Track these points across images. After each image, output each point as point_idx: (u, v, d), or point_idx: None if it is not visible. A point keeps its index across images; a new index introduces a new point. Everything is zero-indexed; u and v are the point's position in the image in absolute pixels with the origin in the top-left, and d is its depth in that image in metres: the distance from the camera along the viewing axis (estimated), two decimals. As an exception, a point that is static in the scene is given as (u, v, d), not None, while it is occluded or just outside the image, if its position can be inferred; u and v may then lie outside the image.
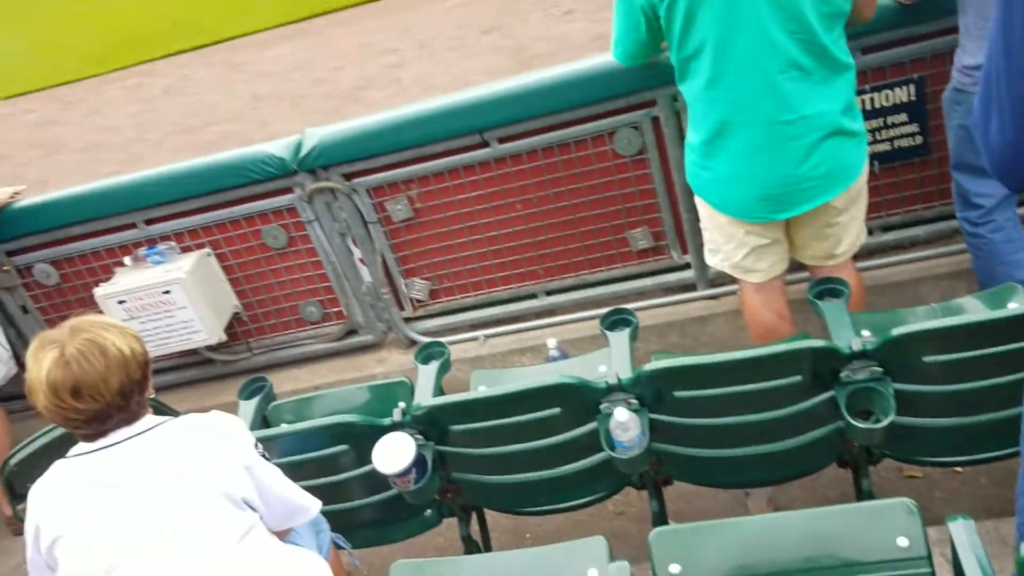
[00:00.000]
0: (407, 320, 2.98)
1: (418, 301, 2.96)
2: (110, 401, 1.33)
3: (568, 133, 2.51)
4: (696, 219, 2.28)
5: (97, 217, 2.88)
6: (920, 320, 1.76)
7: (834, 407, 1.61)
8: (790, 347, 1.63)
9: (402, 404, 1.84)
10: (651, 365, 1.65)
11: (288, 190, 2.77)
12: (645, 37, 2.02)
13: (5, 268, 2.95)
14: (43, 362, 1.32)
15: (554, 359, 2.31)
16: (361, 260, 2.89)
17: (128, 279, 2.84)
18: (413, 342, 2.96)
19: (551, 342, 2.37)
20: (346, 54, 7.16)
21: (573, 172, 2.59)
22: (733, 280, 2.33)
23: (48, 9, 12.09)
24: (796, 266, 2.23)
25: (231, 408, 1.84)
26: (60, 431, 1.89)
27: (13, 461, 1.97)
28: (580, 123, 2.50)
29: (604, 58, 2.31)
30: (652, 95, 2.41)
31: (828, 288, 1.92)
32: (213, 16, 9.29)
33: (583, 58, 2.57)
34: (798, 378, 1.61)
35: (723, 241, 2.16)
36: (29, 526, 1.40)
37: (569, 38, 5.96)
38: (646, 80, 2.33)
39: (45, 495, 1.39)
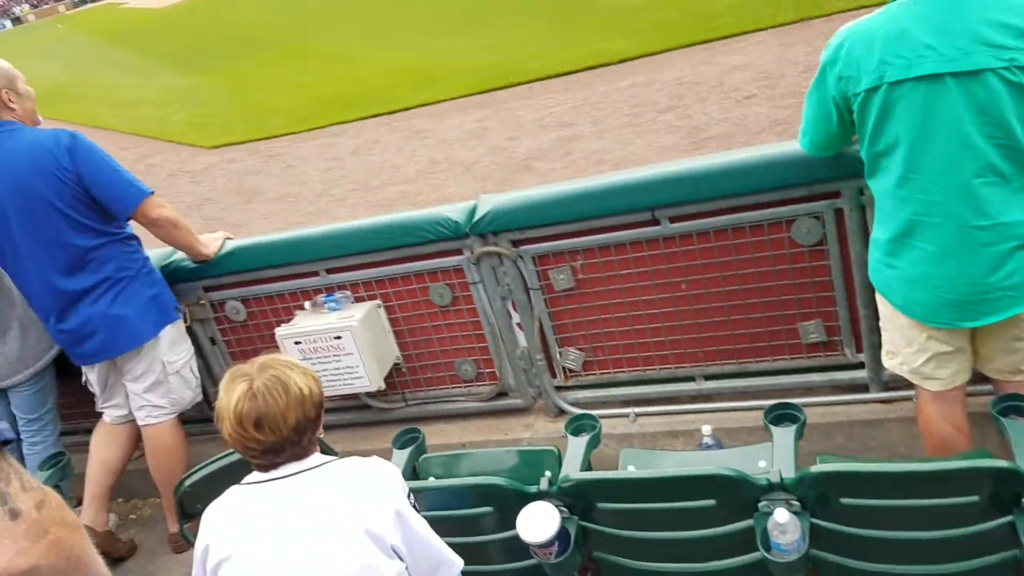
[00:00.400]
0: (558, 388, 2.98)
1: (571, 371, 2.96)
2: (286, 436, 1.42)
3: (744, 217, 2.46)
4: (875, 317, 2.16)
5: (286, 263, 3.09)
6: None
7: (1012, 533, 1.46)
8: (971, 464, 1.51)
9: (549, 473, 1.82)
10: (818, 467, 1.57)
11: (458, 251, 2.86)
12: (836, 129, 1.97)
13: (202, 302, 3.21)
14: (233, 393, 1.42)
15: (708, 447, 2.24)
16: (519, 324, 2.93)
17: (306, 322, 3.01)
18: (561, 411, 2.95)
19: (706, 429, 2.29)
20: (522, 126, 7.41)
21: (746, 257, 2.52)
22: (909, 385, 2.18)
23: (258, 74, 13.36)
24: (979, 378, 2.07)
25: (383, 454, 1.90)
26: (235, 458, 2.00)
27: (188, 482, 2.10)
28: (757, 208, 2.44)
29: (788, 145, 2.26)
30: (837, 186, 2.32)
31: (1014, 405, 1.76)
32: (403, 86, 9.94)
33: (761, 143, 2.52)
34: (975, 498, 1.48)
35: (903, 344, 2.03)
36: (199, 545, 1.49)
37: (748, 122, 5.90)
38: (832, 171, 2.25)
39: (219, 518, 1.48)
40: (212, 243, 3.05)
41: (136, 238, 2.88)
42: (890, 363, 2.12)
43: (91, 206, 2.69)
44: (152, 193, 2.75)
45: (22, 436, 3.12)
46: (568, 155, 6.42)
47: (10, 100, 2.69)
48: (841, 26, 1.93)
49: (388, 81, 10.42)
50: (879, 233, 1.97)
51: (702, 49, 7.94)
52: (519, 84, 8.68)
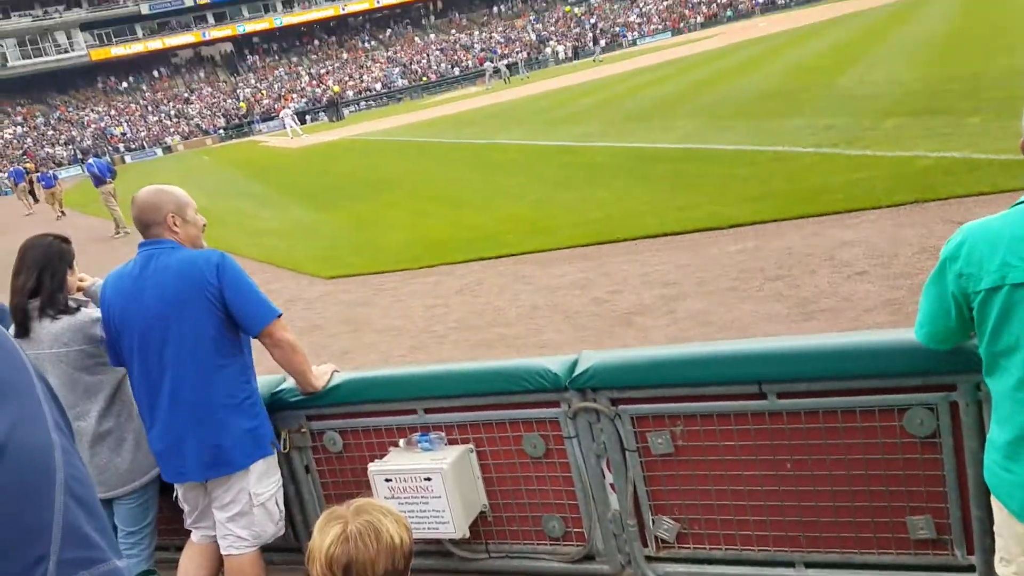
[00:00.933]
0: (648, 559, 2.87)
1: (663, 541, 2.85)
2: None
3: (854, 401, 2.39)
4: (988, 519, 2.03)
5: (386, 399, 3.16)
6: None
7: None
8: None
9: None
10: None
11: (555, 403, 2.87)
12: (954, 324, 1.93)
13: (303, 430, 3.30)
14: (327, 535, 1.44)
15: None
16: (612, 486, 2.87)
17: (398, 460, 3.04)
18: (651, 583, 2.83)
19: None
20: (625, 280, 7.48)
21: (855, 442, 2.43)
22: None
23: (378, 213, 14.11)
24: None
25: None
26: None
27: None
28: (870, 393, 2.37)
29: (904, 333, 2.22)
30: (953, 379, 2.25)
31: None
32: (513, 233, 10.28)
33: (871, 322, 2.48)
34: None
35: (1018, 552, 1.90)
36: None
37: (858, 299, 5.79)
38: (948, 364, 2.19)
39: None
40: (322, 376, 3.16)
41: (252, 368, 3.01)
42: (1004, 571, 1.97)
43: (228, 324, 2.83)
44: (281, 315, 2.90)
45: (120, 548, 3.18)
46: (671, 313, 6.41)
47: (174, 224, 2.94)
48: (955, 212, 1.92)
49: (500, 228, 10.80)
50: (996, 434, 1.88)
51: (813, 221, 7.94)
52: (626, 240, 8.83)
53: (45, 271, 3.06)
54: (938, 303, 1.95)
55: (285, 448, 3.25)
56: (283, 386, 3.29)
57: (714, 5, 71.22)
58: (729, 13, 69.40)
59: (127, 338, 2.90)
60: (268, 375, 3.49)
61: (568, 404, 2.82)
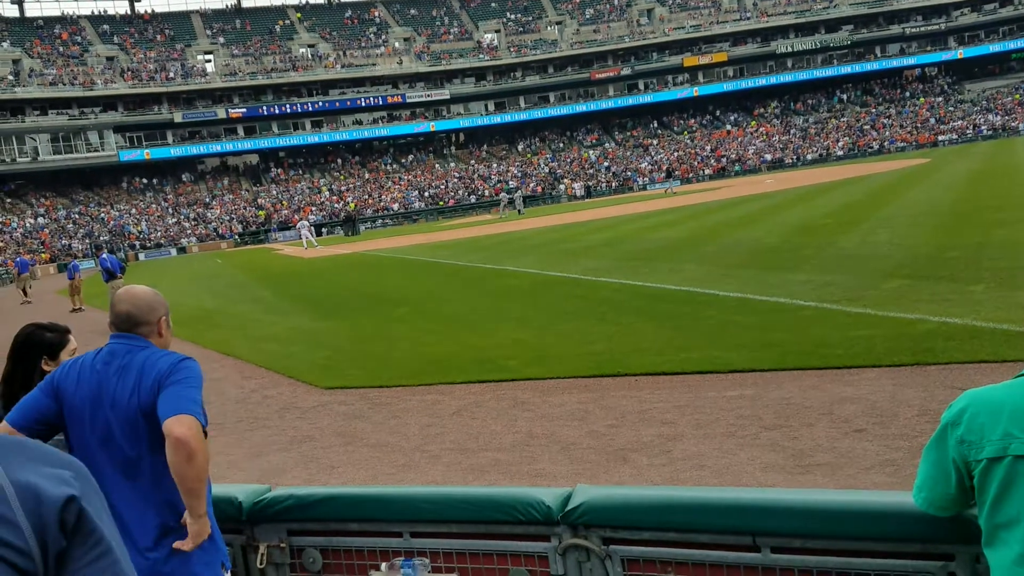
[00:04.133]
0: None
1: None
2: None
3: (851, 563, 2.33)
4: None
5: (373, 519, 3.08)
6: None
7: None
8: None
9: None
10: None
11: (545, 538, 2.80)
12: (954, 492, 1.91)
13: (282, 545, 3.20)
14: None
15: None
16: (598, 629, 2.77)
17: (378, 584, 2.94)
18: None
19: None
20: (624, 415, 7.44)
21: (850, 607, 2.36)
22: None
23: (381, 327, 14.19)
24: None
25: None
26: None
27: None
28: (866, 556, 2.32)
29: (903, 496, 2.19)
30: (951, 549, 2.20)
31: None
32: (515, 358, 10.30)
33: (869, 481, 2.45)
34: None
35: None
36: None
37: (855, 455, 5.74)
38: (946, 531, 2.15)
39: None
40: (205, 520, 2.77)
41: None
42: None
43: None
44: (200, 421, 2.70)
45: None
46: (667, 453, 6.34)
47: (164, 328, 2.96)
48: (956, 378, 1.94)
49: (502, 352, 10.82)
50: (997, 609, 1.82)
51: (813, 374, 7.96)
52: (627, 375, 8.83)
53: (19, 362, 3.14)
54: (938, 468, 1.94)
55: (261, 564, 3.15)
56: (267, 496, 3.23)
57: (723, 159, 73.86)
58: (737, 168, 71.86)
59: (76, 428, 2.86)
60: (252, 484, 3.43)
61: (559, 539, 2.75)
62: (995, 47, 78.96)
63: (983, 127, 71.65)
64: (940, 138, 71.54)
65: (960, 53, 79.42)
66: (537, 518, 2.79)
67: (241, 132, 73.75)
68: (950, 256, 13.64)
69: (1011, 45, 78.72)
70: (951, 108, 77.55)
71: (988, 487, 1.80)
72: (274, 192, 72.54)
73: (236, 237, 63.97)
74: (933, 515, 2.06)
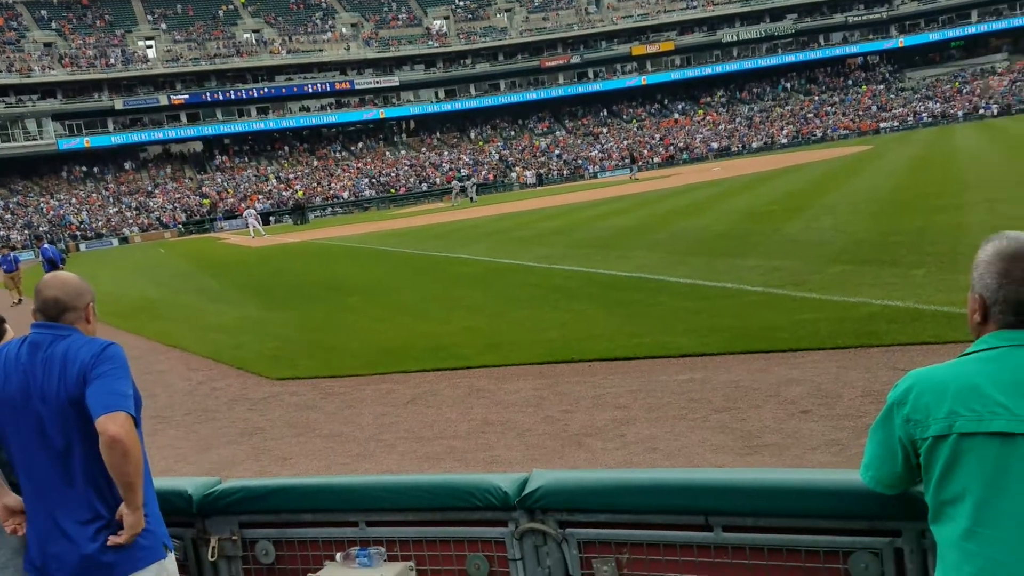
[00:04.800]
0: None
1: (602, 676, 2.75)
2: None
3: (800, 540, 2.38)
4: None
5: (327, 509, 3.06)
6: None
7: None
8: None
9: None
10: None
11: (502, 523, 2.81)
12: (900, 470, 1.96)
13: (234, 538, 3.16)
14: None
15: None
16: (555, 614, 2.79)
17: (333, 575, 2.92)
18: None
19: None
20: (577, 401, 7.49)
21: (800, 582, 2.41)
22: None
23: (333, 316, 14.05)
24: None
25: None
26: None
27: None
28: (815, 533, 2.37)
29: (852, 474, 2.24)
30: (898, 525, 2.26)
31: None
32: (469, 346, 10.29)
33: (815, 460, 2.50)
34: None
35: None
36: None
37: (803, 436, 5.87)
38: (894, 509, 2.20)
39: None
40: (141, 512, 2.72)
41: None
42: None
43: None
44: (133, 417, 2.66)
45: None
46: (621, 437, 6.41)
47: (89, 315, 2.88)
48: (899, 359, 1.99)
49: (456, 339, 10.81)
50: (941, 584, 1.88)
51: (760, 357, 8.11)
52: (581, 361, 8.89)
53: None
54: (885, 447, 1.98)
55: (213, 557, 3.11)
56: (218, 488, 3.18)
57: (672, 148, 74.65)
58: (685, 156, 72.69)
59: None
60: (203, 477, 3.37)
61: (516, 524, 2.76)
62: (935, 35, 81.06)
63: (923, 114, 73.57)
64: (882, 126, 73.29)
65: (901, 42, 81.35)
66: (494, 504, 2.79)
67: (184, 119, 72.13)
68: (892, 241, 13.99)
69: (951, 33, 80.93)
70: (892, 96, 79.45)
71: (934, 465, 1.84)
72: (219, 180, 71.16)
73: (180, 226, 62.64)
74: (880, 493, 2.11)
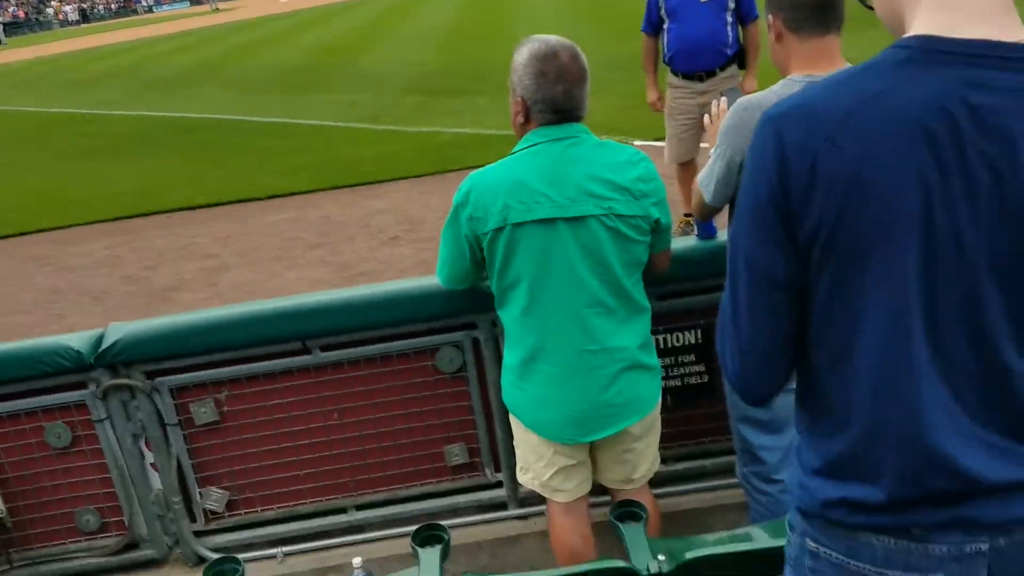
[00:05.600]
0: (197, 534, 2.74)
1: (212, 513, 2.75)
2: None
3: (392, 347, 2.56)
4: (510, 438, 2.34)
5: None
6: (711, 546, 1.83)
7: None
8: (592, 567, 1.68)
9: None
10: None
11: (81, 385, 2.58)
12: (468, 264, 2.17)
13: None
14: None
15: (358, 579, 2.19)
16: (153, 465, 2.69)
17: None
18: (201, 559, 2.71)
19: (356, 561, 2.24)
20: (161, 255, 7.02)
21: (394, 384, 2.61)
22: (542, 500, 2.37)
23: None
24: (600, 490, 2.32)
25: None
26: None
27: None
28: (404, 338, 2.56)
29: (430, 279, 2.43)
30: (473, 318, 2.53)
31: (628, 511, 1.97)
32: (22, 210, 8.94)
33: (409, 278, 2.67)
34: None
35: (533, 460, 2.23)
36: None
37: (395, 260, 6.19)
38: (469, 303, 2.45)
39: None
40: None
41: None
42: (523, 479, 2.31)
43: None
44: None
45: None
46: (214, 286, 6.18)
47: None
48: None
49: (4, 204, 9.33)
50: (509, 358, 2.18)
51: (348, 191, 8.27)
52: (159, 212, 8.26)
53: None
54: (455, 246, 2.17)
55: None
56: None
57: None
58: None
59: None
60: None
61: (96, 384, 2.55)
62: None
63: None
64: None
65: None
66: (67, 366, 2.53)
67: None
68: (459, 71, 14.78)
69: None
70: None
71: (495, 255, 2.07)
72: None
73: None
74: (453, 290, 2.32)
